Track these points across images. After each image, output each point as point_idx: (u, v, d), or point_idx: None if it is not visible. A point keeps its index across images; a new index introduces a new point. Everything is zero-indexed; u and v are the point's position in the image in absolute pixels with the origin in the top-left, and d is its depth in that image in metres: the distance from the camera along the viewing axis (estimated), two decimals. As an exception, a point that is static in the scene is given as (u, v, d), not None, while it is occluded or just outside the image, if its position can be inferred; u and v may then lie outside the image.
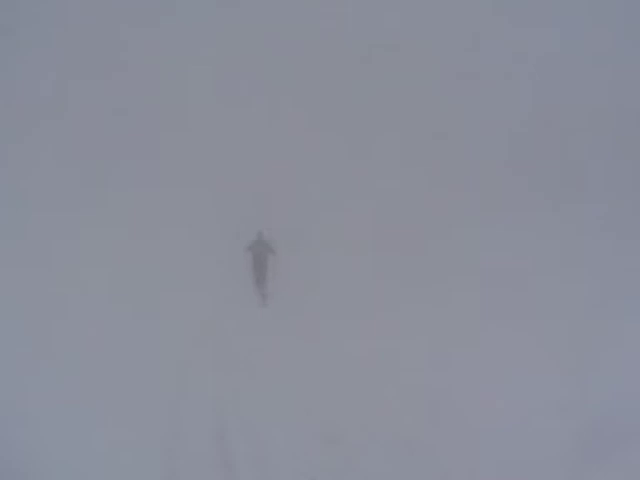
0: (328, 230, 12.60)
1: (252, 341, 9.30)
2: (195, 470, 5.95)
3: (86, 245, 11.17)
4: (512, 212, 11.80)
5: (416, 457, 5.75)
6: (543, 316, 8.00)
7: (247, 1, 15.31)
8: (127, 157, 13.48)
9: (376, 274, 11.11)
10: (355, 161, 13.72)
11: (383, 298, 10.03)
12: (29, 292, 9.42)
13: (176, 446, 6.18)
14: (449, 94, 13.93)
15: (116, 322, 9.00)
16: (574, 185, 12.54)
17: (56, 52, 14.56)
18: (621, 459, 5.41)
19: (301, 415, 6.71)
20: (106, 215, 12.05)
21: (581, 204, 11.87)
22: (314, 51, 14.87)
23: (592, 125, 13.05)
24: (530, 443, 5.71)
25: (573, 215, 11.57)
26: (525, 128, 13.21)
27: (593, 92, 13.18)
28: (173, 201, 12.92)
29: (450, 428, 6.18)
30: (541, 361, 7.09)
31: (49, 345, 8.10)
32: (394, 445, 6.06)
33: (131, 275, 10.69)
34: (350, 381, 7.50)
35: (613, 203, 11.74)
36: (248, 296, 11.52)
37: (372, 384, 7.29)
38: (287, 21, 15.12)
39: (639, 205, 11.36)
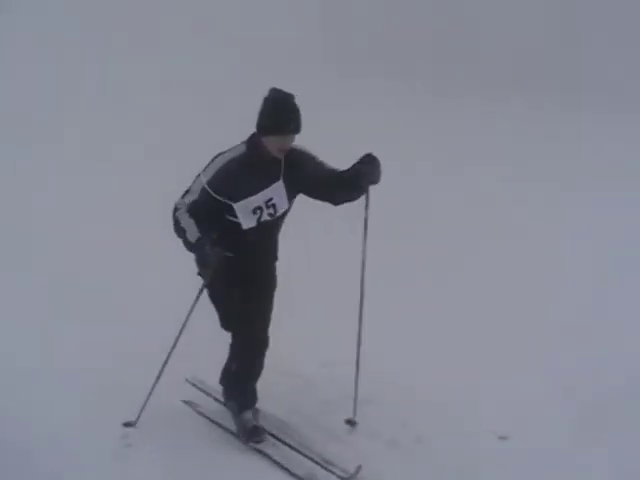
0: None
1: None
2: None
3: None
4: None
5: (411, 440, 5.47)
6: (543, 292, 7.66)
7: None
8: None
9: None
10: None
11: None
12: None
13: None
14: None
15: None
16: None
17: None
18: (622, 439, 5.37)
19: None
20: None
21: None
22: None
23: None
24: (530, 423, 5.63)
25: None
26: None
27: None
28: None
29: (444, 408, 5.97)
30: (541, 339, 6.90)
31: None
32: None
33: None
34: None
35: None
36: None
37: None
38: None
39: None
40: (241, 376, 4.15)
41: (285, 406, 4.65)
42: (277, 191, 3.87)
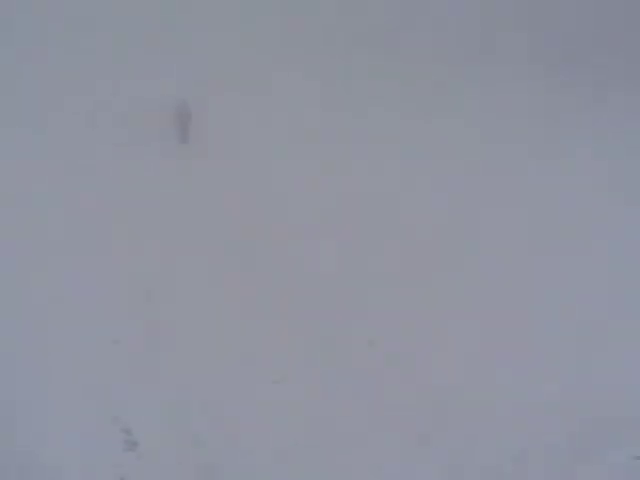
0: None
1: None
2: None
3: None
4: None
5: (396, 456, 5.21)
6: (534, 305, 7.34)
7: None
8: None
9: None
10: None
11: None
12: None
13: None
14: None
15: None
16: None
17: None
18: (616, 455, 5.06)
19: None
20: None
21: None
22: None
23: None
24: (523, 439, 5.34)
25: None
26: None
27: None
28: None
29: (437, 423, 5.65)
30: (534, 354, 6.58)
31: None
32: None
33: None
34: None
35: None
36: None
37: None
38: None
39: None
40: None
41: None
42: None
